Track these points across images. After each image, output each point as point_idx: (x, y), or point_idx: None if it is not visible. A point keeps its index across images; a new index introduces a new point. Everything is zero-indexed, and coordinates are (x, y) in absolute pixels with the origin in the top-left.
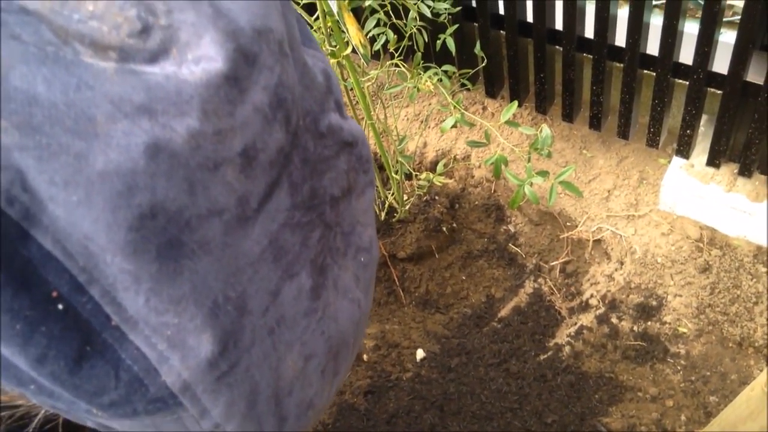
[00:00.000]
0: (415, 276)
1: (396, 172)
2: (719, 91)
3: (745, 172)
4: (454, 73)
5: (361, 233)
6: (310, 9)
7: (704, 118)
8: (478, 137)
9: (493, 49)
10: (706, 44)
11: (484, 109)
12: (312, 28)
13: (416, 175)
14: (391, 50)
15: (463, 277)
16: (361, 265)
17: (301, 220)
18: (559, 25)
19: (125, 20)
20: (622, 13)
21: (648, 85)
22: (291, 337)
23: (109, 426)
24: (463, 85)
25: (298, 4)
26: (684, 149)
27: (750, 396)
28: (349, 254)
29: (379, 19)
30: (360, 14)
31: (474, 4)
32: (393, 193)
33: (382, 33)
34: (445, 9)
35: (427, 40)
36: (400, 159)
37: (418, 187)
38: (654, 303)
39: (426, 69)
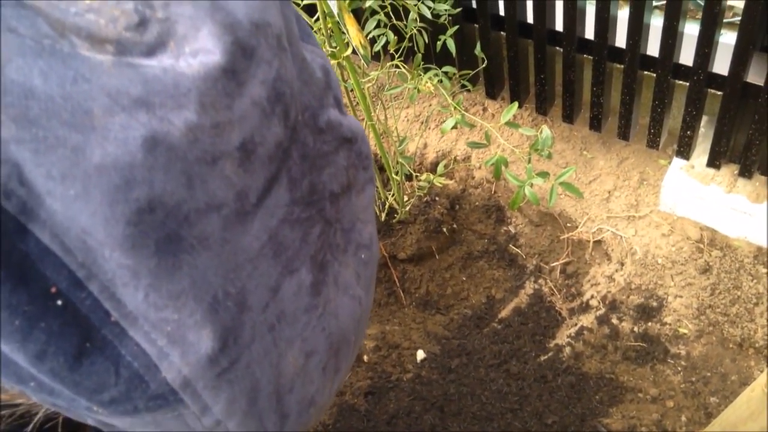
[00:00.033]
0: (415, 277)
1: (396, 173)
2: (719, 93)
3: (745, 173)
4: (454, 74)
5: (361, 230)
6: (311, 10)
7: (704, 119)
8: (479, 138)
9: (494, 50)
10: (706, 45)
11: (485, 110)
12: (312, 29)
13: (416, 176)
14: (392, 51)
15: (464, 278)
16: (362, 262)
17: (301, 215)
18: (559, 26)
19: (122, 13)
20: (623, 14)
21: (648, 86)
22: (291, 333)
23: (110, 423)
24: (463, 86)
25: (299, 5)
26: (684, 150)
27: (750, 397)
28: (349, 251)
29: (379, 20)
30: (360, 15)
31: (474, 5)
32: (393, 194)
33: (383, 34)
34: (446, 10)
35: (427, 41)
36: (400, 160)
37: (418, 188)
38: (654, 304)
39: (426, 70)
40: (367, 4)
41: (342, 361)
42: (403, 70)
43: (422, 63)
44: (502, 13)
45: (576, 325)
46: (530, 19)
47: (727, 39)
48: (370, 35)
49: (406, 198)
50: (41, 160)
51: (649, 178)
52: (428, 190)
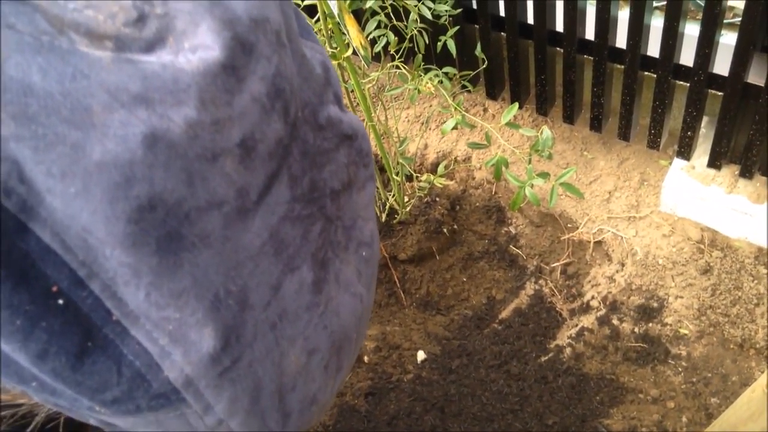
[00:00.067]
0: (415, 277)
1: (397, 174)
2: (720, 93)
3: (746, 173)
4: (454, 74)
5: (362, 227)
6: (311, 11)
7: (705, 119)
8: (479, 139)
9: (494, 51)
10: (706, 46)
11: (485, 110)
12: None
13: (417, 177)
14: (392, 52)
15: (464, 279)
16: (363, 259)
17: (302, 213)
18: (559, 26)
19: (121, 9)
20: (623, 15)
21: (649, 86)
22: (293, 331)
23: (112, 423)
24: (463, 86)
25: (299, 5)
26: (685, 151)
27: (751, 397)
28: (350, 248)
29: (379, 21)
30: (360, 16)
31: (475, 5)
32: (394, 195)
33: (383, 35)
34: (446, 11)
35: (427, 41)
36: (400, 161)
37: (418, 189)
38: (655, 304)
39: (427, 71)
40: (368, 4)
41: (344, 359)
42: (404, 70)
43: (423, 64)
44: (502, 13)
45: (576, 325)
46: (531, 20)
47: (728, 39)
48: (371, 36)
49: (406, 199)
50: (41, 158)
51: (650, 178)
52: (429, 191)
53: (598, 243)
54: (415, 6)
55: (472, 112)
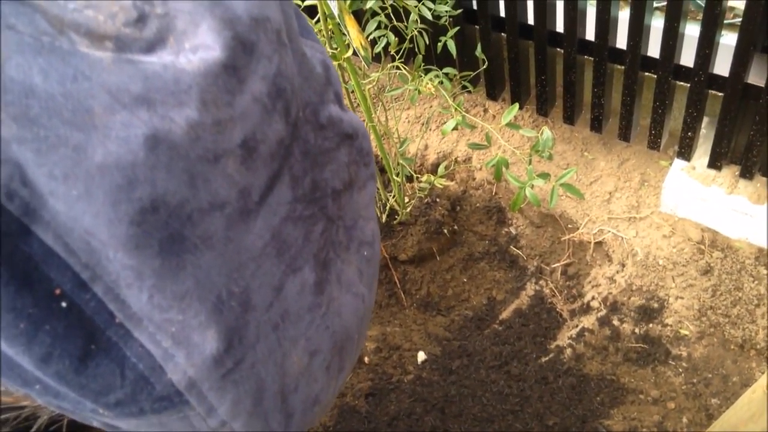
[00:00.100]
0: (416, 278)
1: (397, 175)
2: (720, 94)
3: (746, 174)
4: (455, 75)
5: (363, 227)
6: (311, 11)
7: (705, 120)
8: (479, 139)
9: (494, 52)
10: (707, 46)
11: (485, 111)
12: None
13: (417, 178)
14: (392, 53)
15: (465, 280)
16: (364, 259)
17: (303, 213)
18: (560, 27)
19: (121, 9)
20: (623, 16)
21: (649, 87)
22: (296, 332)
23: (116, 426)
24: (464, 87)
25: (300, 6)
26: (685, 151)
27: (751, 398)
28: (351, 248)
29: (380, 22)
30: (361, 17)
31: (475, 6)
32: (394, 196)
33: (383, 35)
34: (446, 11)
35: (428, 42)
36: (401, 161)
37: (419, 190)
38: (655, 305)
39: (427, 71)
40: (368, 5)
41: (345, 359)
42: (404, 71)
43: (423, 64)
44: (502, 14)
45: (577, 326)
46: (531, 21)
47: (728, 40)
48: (371, 36)
49: (406, 199)
50: (43, 160)
51: (650, 179)
52: (429, 192)
53: (599, 244)
54: (416, 6)
55: (472, 113)
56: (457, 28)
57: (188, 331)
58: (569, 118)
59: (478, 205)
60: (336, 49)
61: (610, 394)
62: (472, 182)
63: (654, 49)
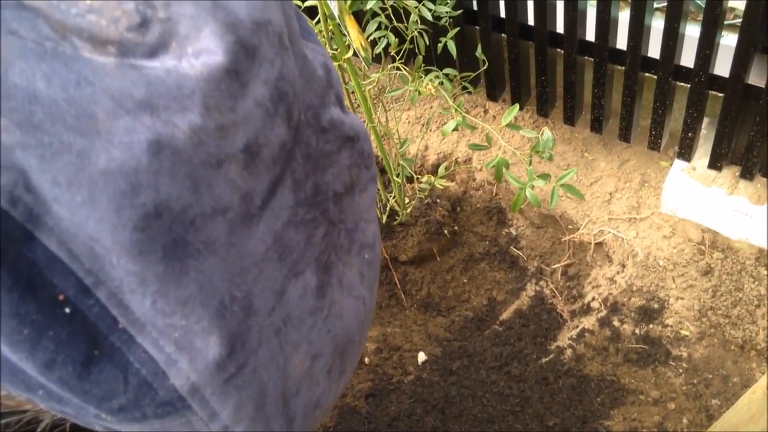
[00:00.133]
0: (416, 279)
1: (397, 175)
2: (720, 94)
3: (746, 174)
4: (455, 76)
5: (364, 230)
6: (311, 12)
7: (706, 120)
8: (480, 140)
9: (495, 52)
10: (707, 47)
11: (486, 112)
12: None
13: (418, 178)
14: (393, 53)
15: (465, 280)
16: (366, 262)
17: (305, 217)
18: (560, 28)
19: (123, 13)
20: (623, 16)
21: (649, 88)
22: (297, 336)
23: (118, 431)
24: (464, 88)
25: (300, 7)
26: (686, 152)
27: (752, 399)
28: (353, 251)
29: (380, 23)
30: (361, 17)
31: (475, 7)
32: (394, 196)
33: (384, 36)
34: (446, 12)
35: (428, 43)
36: (401, 162)
37: (419, 190)
38: (656, 306)
39: (427, 72)
40: (368, 6)
41: (347, 362)
42: (404, 72)
43: (423, 65)
44: (503, 15)
45: (577, 327)
46: (531, 21)
47: (728, 41)
48: (371, 37)
49: (407, 200)
50: (47, 166)
51: (651, 179)
52: (429, 192)
53: (599, 244)
54: (416, 7)
55: (472, 114)
56: (458, 28)
57: (191, 337)
58: (569, 119)
59: (478, 205)
60: (336, 49)
61: (611, 394)
62: (472, 183)
63: (654, 50)
